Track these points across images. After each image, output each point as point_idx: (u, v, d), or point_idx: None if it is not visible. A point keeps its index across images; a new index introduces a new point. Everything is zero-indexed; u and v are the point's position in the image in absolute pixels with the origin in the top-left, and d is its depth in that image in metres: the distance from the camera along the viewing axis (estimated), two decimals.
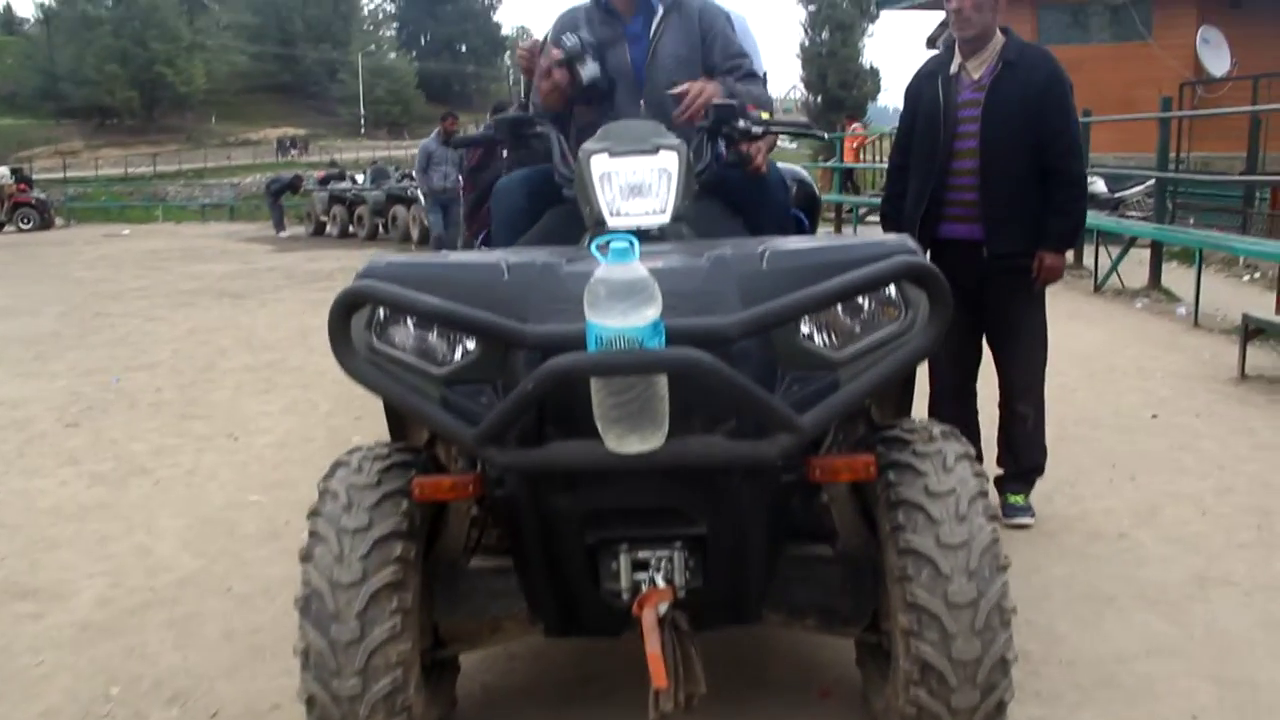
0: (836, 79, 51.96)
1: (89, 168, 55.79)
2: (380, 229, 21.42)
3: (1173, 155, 12.97)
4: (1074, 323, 8.64)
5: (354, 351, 2.04)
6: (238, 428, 6.16)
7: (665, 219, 2.37)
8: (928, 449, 2.21)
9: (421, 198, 16.07)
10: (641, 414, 1.84)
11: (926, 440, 2.24)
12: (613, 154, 2.40)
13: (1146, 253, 10.69)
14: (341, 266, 15.59)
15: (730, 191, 2.94)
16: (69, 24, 67.99)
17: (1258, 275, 11.38)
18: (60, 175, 51.08)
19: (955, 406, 4.03)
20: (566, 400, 1.94)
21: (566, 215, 2.68)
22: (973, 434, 4.10)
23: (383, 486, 2.18)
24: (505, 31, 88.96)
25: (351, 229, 22.55)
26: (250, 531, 4.36)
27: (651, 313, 1.79)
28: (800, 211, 3.52)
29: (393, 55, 79.86)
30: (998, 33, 3.92)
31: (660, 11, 3.06)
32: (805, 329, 2.09)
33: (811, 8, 52.52)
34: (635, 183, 2.37)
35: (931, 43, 24.00)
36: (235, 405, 6.79)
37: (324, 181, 24.92)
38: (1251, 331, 6.82)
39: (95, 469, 5.40)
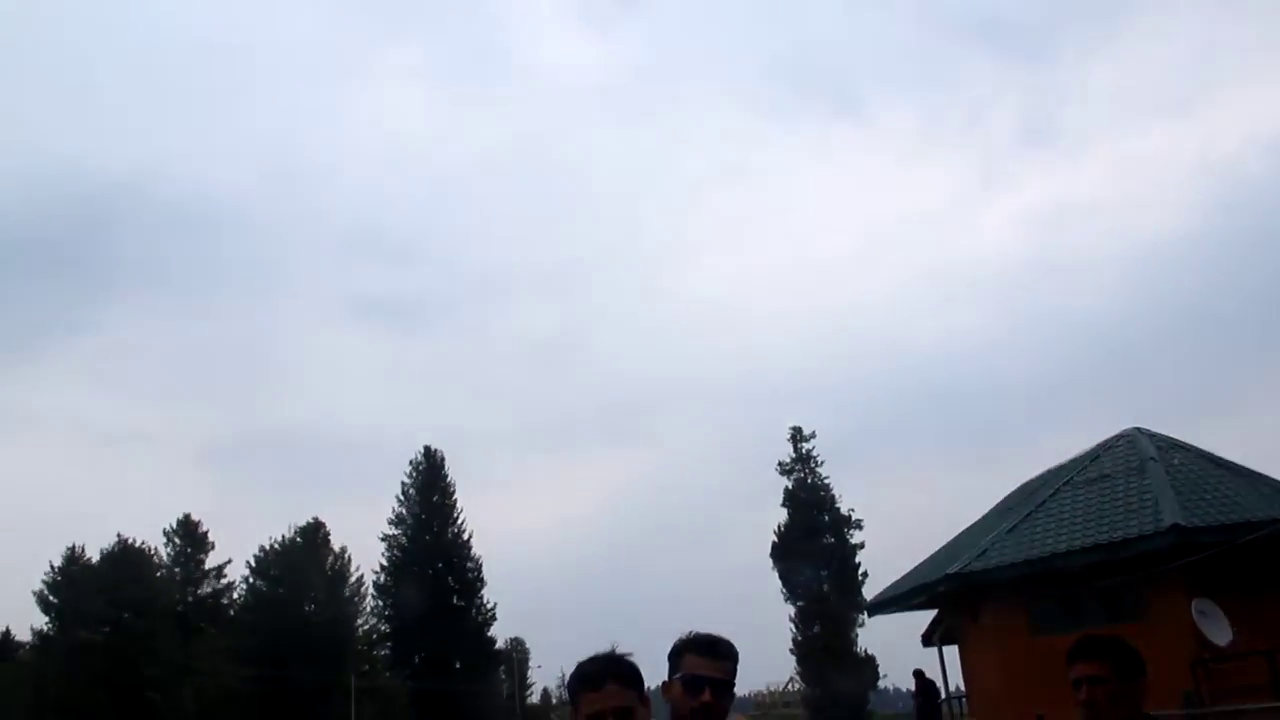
0: (833, 671, 51.59)
1: None
2: None
3: None
4: None
5: None
6: None
7: None
8: None
9: None
10: None
11: None
12: None
13: None
14: None
15: None
16: (64, 650, 68.05)
17: None
18: None
19: None
20: None
21: None
22: None
23: None
24: (499, 645, 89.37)
25: None
26: None
27: None
28: None
29: (386, 674, 79.35)
30: None
31: None
32: None
33: (800, 603, 53.40)
34: None
35: (927, 640, 23.98)
36: None
37: None
38: None
39: None
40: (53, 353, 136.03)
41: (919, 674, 24.38)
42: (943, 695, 23.85)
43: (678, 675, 3.43)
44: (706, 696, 3.34)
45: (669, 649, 3.53)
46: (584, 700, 2.80)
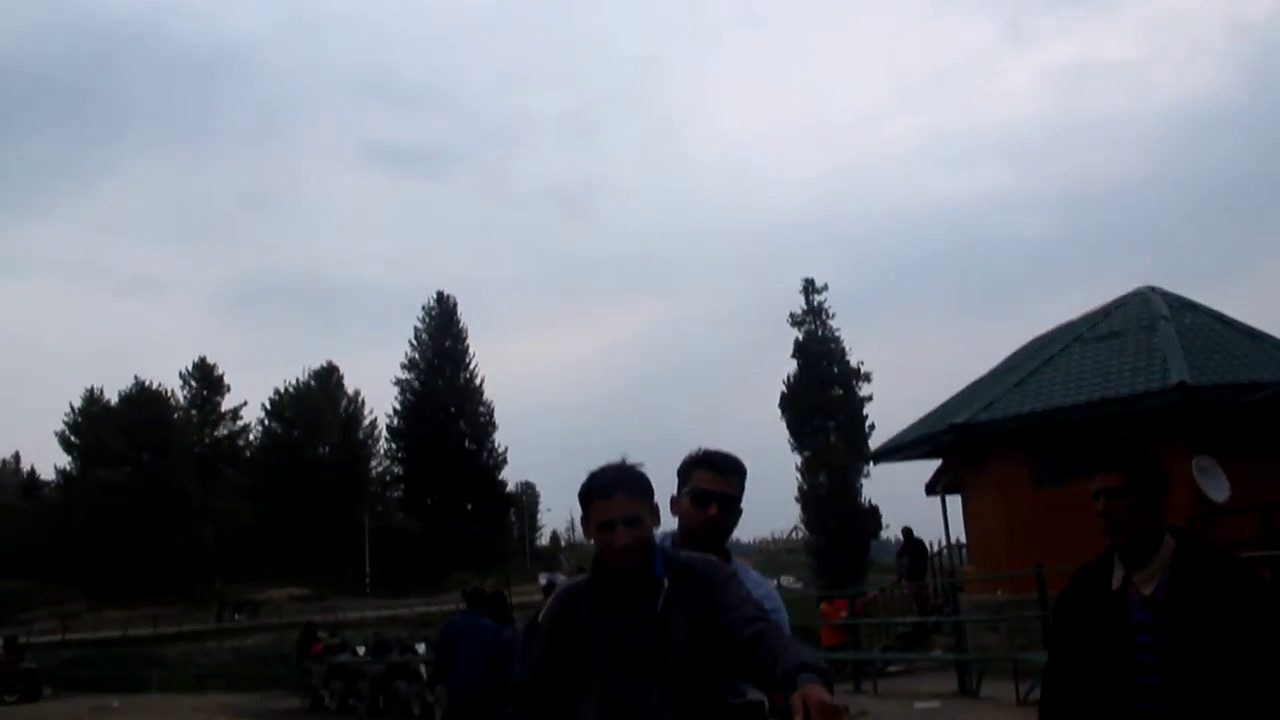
0: (837, 520, 52.59)
1: (89, 629, 55.23)
2: (381, 702, 20.59)
3: None
4: None
5: None
6: None
7: None
8: None
9: None
10: None
11: None
12: None
13: None
14: None
15: None
16: (86, 488, 69.75)
17: None
18: (59, 637, 50.65)
19: None
20: None
21: None
22: None
23: None
24: (510, 489, 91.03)
25: (351, 702, 21.71)
26: None
27: None
28: None
29: (400, 515, 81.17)
30: (1165, 535, 3.24)
31: (665, 585, 2.80)
32: None
33: (806, 453, 54.11)
34: None
35: (930, 490, 24.34)
36: None
37: (323, 653, 24.43)
38: None
39: None
40: (65, 195, 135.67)
41: (907, 532, 24.25)
42: (931, 552, 24.04)
43: (686, 490, 3.46)
44: (713, 511, 3.37)
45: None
46: (594, 509, 2.80)
